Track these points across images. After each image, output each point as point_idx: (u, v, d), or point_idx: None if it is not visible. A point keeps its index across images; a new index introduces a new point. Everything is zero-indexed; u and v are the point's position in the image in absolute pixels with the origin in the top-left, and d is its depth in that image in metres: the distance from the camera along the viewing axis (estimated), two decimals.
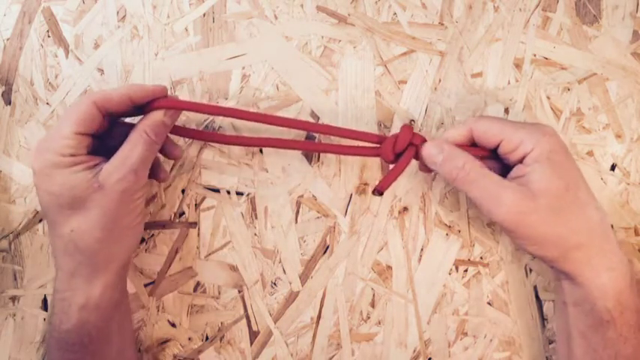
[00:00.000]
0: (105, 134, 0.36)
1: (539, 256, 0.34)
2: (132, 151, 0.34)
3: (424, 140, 0.36)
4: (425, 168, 0.38)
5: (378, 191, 0.37)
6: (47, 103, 0.43)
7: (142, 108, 0.36)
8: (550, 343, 0.41)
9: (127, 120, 0.37)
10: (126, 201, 0.34)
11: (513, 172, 0.34)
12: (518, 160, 0.34)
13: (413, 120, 0.42)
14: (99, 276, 0.34)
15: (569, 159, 0.34)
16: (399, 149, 0.36)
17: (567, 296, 0.34)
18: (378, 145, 0.37)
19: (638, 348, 0.32)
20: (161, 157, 0.40)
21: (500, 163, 0.36)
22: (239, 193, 0.42)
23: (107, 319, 0.35)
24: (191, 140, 0.42)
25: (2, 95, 0.43)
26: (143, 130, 0.35)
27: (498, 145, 0.35)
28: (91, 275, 0.34)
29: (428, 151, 0.36)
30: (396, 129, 0.42)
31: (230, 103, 0.42)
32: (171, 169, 0.42)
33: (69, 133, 0.33)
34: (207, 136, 0.40)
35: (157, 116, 0.35)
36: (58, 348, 0.34)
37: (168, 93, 0.38)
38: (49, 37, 0.43)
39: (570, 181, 0.33)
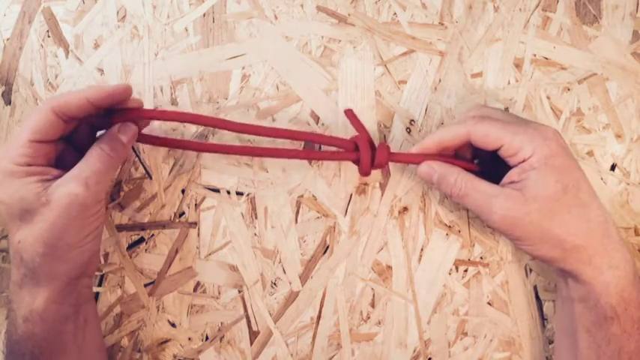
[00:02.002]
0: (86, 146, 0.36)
1: (539, 257, 0.34)
2: (86, 164, 0.33)
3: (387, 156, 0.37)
4: None
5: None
6: None
7: (109, 111, 0.36)
8: (550, 343, 0.41)
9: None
10: (73, 217, 0.32)
11: (509, 177, 0.35)
12: (518, 163, 0.34)
13: (413, 120, 0.42)
14: (41, 291, 0.33)
15: (569, 161, 0.34)
16: (374, 168, 0.38)
17: (573, 292, 0.35)
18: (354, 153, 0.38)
19: None
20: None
21: (498, 161, 0.36)
22: (239, 193, 0.42)
23: (57, 331, 0.34)
24: (191, 140, 0.42)
25: (2, 95, 0.43)
26: (98, 145, 0.34)
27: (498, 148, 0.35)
28: (34, 289, 0.33)
29: (422, 173, 0.37)
30: (396, 129, 0.42)
31: (230, 104, 0.42)
32: (171, 169, 0.42)
33: (24, 142, 0.33)
34: (179, 144, 0.39)
35: (111, 133, 0.35)
36: (12, 359, 0.34)
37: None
38: (49, 37, 0.43)
39: (569, 184, 0.33)
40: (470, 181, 0.35)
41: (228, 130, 0.38)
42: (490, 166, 0.37)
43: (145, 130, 0.39)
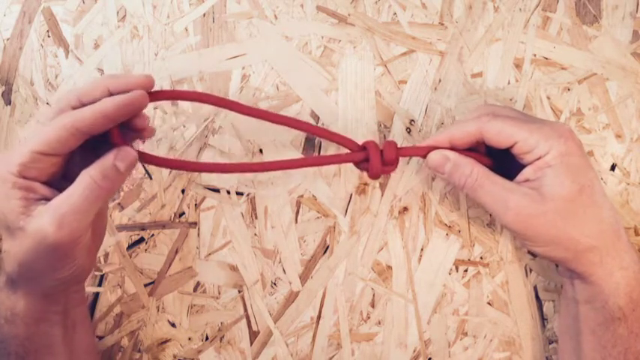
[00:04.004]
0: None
1: (549, 258, 0.34)
2: (69, 196, 0.30)
3: (397, 152, 0.36)
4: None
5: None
6: (47, 103, 0.43)
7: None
8: (550, 343, 0.41)
9: None
10: (42, 256, 0.30)
11: (523, 175, 0.34)
12: (532, 161, 0.33)
13: (413, 120, 0.42)
14: (19, 297, 0.32)
15: (584, 161, 0.33)
16: (383, 167, 0.36)
17: (578, 293, 0.34)
18: (361, 152, 0.36)
19: None
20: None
21: (508, 159, 0.35)
22: (239, 193, 0.42)
23: (42, 334, 0.33)
24: (191, 140, 0.42)
25: (2, 95, 0.43)
26: (88, 174, 0.30)
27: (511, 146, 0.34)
28: (13, 295, 0.32)
29: (434, 161, 0.35)
30: (396, 129, 0.42)
31: None
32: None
33: (26, 151, 0.30)
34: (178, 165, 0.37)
35: (108, 160, 0.31)
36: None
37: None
38: (49, 37, 0.43)
39: (585, 184, 0.32)
40: (486, 173, 0.34)
41: (236, 111, 0.36)
42: (500, 167, 0.36)
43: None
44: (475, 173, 0.34)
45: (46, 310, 0.33)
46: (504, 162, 0.35)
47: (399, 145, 0.37)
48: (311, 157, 0.39)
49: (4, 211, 0.31)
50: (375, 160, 0.36)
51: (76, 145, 0.31)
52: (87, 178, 0.30)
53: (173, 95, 0.37)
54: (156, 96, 0.34)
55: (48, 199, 0.31)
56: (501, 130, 0.33)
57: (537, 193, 0.32)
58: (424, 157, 0.36)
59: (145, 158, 0.34)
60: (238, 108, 0.36)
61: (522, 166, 0.34)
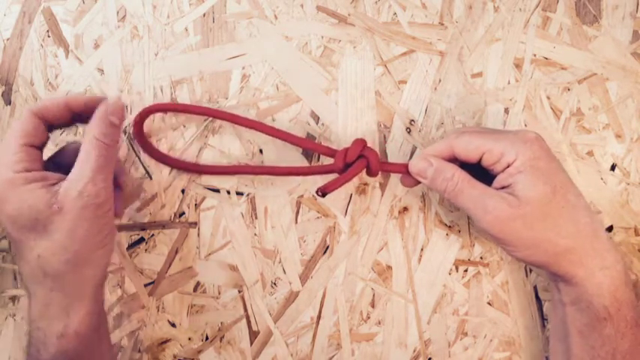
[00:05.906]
0: (64, 157, 0.35)
1: (529, 262, 0.34)
2: (86, 160, 0.32)
3: (376, 153, 0.37)
4: (407, 182, 0.38)
5: (322, 192, 0.36)
6: None
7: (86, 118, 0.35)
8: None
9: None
10: (90, 218, 0.32)
11: (497, 182, 0.34)
12: (503, 170, 0.34)
13: (413, 120, 0.42)
14: (75, 304, 0.32)
15: (553, 163, 0.34)
16: (349, 160, 0.37)
17: (564, 295, 0.34)
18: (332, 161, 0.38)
19: (634, 343, 0.33)
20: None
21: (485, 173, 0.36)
22: (239, 193, 0.42)
23: (87, 344, 0.33)
24: (191, 140, 0.42)
25: (2, 95, 0.43)
26: (92, 136, 0.33)
27: (481, 158, 0.34)
28: (67, 304, 0.32)
29: (416, 166, 0.36)
30: (396, 129, 0.42)
31: (230, 103, 0.42)
32: (171, 169, 0.42)
33: (16, 146, 0.32)
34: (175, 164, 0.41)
35: (100, 116, 0.33)
36: None
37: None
38: (49, 37, 0.43)
39: (557, 185, 0.33)
40: (467, 177, 0.35)
41: (232, 122, 0.39)
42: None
43: None
44: (456, 177, 0.34)
45: (93, 312, 0.33)
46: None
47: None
48: (295, 168, 0.41)
49: (31, 204, 0.31)
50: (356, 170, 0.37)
51: (46, 136, 0.34)
52: (92, 140, 0.33)
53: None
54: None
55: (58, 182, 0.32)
56: (469, 142, 0.34)
57: (513, 197, 0.33)
58: (405, 172, 0.37)
59: (154, 154, 0.40)
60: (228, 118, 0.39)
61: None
